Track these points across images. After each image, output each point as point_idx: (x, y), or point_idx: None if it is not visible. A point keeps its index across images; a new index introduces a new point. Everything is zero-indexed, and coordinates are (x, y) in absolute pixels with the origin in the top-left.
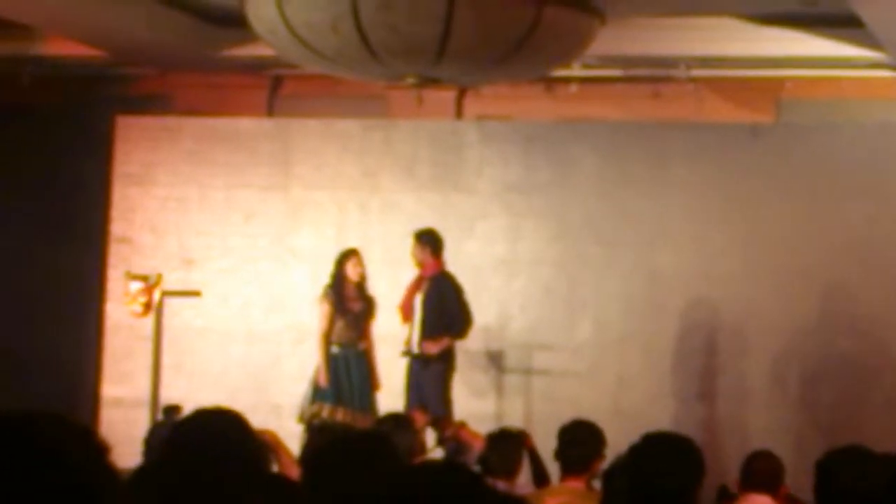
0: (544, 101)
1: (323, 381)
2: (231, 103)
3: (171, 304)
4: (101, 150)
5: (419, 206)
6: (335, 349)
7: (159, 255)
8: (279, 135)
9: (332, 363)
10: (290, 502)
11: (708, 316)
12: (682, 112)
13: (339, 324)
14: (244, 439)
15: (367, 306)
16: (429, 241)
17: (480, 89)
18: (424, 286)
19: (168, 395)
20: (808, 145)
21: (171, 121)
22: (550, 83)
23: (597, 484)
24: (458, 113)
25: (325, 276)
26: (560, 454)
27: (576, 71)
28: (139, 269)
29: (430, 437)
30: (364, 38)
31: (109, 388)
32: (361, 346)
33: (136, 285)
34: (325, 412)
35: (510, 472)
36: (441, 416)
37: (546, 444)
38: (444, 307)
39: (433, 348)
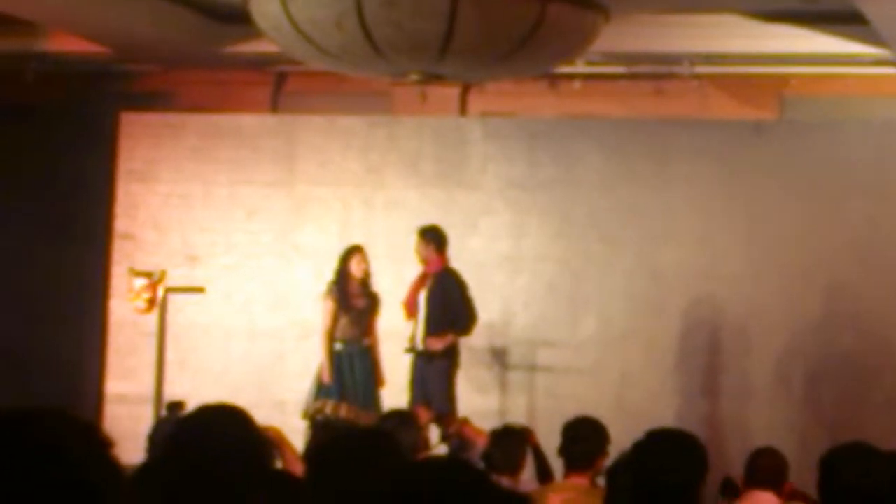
0: (548, 98)
1: (326, 377)
2: (235, 100)
3: (175, 301)
4: (105, 146)
5: (423, 203)
6: (339, 346)
7: (163, 251)
8: (283, 131)
9: (336, 360)
10: (294, 499)
11: (711, 313)
12: (686, 109)
13: (343, 320)
14: (248, 436)
15: (372, 303)
16: (433, 237)
17: (484, 86)
18: (428, 283)
19: (172, 392)
20: (812, 142)
21: (174, 117)
22: (554, 80)
23: (601, 481)
24: (462, 109)
25: (328, 272)
26: (564, 451)
27: (579, 68)
28: (143, 266)
29: (433, 433)
30: (368, 35)
31: (113, 385)
32: (365, 342)
33: (139, 282)
34: (329, 408)
35: (514, 469)
36: (445, 412)
37: (550, 440)
38: (448, 304)
39: (437, 345)
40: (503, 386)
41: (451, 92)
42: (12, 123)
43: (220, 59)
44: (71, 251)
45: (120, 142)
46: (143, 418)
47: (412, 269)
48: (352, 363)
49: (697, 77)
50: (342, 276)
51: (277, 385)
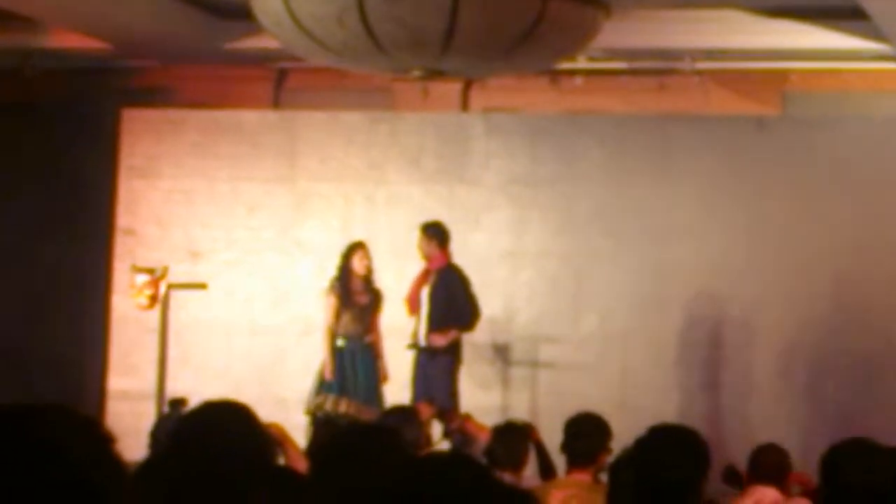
0: (550, 94)
1: (328, 374)
2: (236, 96)
3: (177, 297)
4: (106, 142)
5: (425, 199)
6: (341, 342)
7: (164, 247)
8: (285, 127)
9: (338, 356)
10: (297, 495)
11: (713, 309)
12: (688, 105)
13: (346, 317)
14: (251, 432)
15: (374, 299)
16: (435, 233)
17: (486, 82)
18: (431, 279)
19: (174, 388)
20: (814, 138)
21: (175, 113)
22: (556, 76)
23: (603, 477)
24: (464, 105)
25: (330, 268)
26: (566, 447)
27: (581, 63)
28: (144, 262)
29: (436, 429)
30: (370, 31)
31: (116, 381)
32: (368, 339)
33: (141, 278)
34: (329, 404)
35: (516, 465)
36: (447, 408)
37: (552, 436)
38: (451, 299)
39: (440, 341)
40: (505, 382)
41: (453, 88)
42: (13, 120)
43: (222, 55)
44: (72, 247)
45: (121, 138)
46: (146, 415)
47: (414, 265)
48: (353, 359)
49: (699, 73)
50: (344, 272)
51: (279, 382)
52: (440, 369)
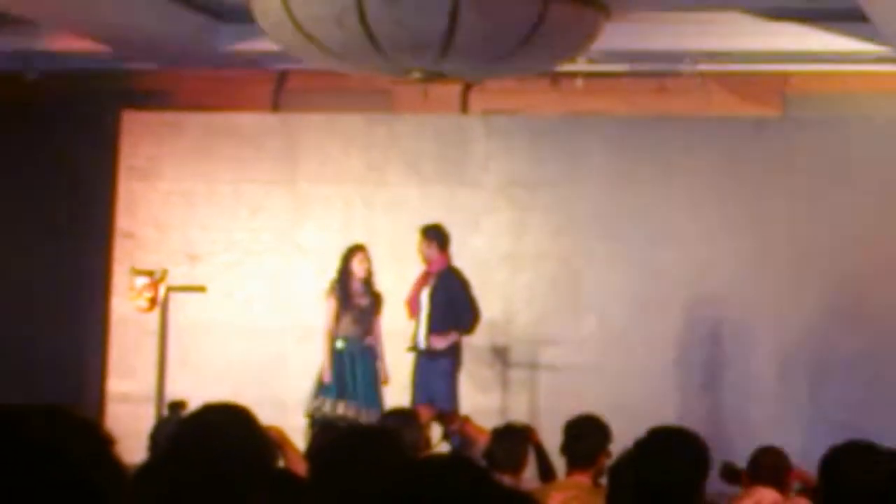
0: (550, 96)
1: (326, 376)
2: (236, 98)
3: (177, 300)
4: (106, 144)
5: (425, 201)
6: (340, 344)
7: (164, 250)
8: (284, 129)
9: (338, 358)
10: (297, 498)
11: (713, 311)
12: (688, 106)
13: (346, 319)
14: (251, 435)
15: (374, 302)
16: (435, 236)
17: (486, 84)
18: (431, 281)
19: (173, 391)
20: (815, 139)
21: (175, 116)
22: (556, 78)
23: (603, 479)
24: (464, 107)
25: (330, 271)
26: (566, 449)
27: (581, 65)
28: (144, 265)
29: (435, 432)
30: (369, 33)
31: (115, 384)
32: (367, 341)
33: (141, 280)
34: (327, 407)
35: (516, 467)
36: (447, 411)
37: (551, 438)
38: (450, 302)
39: (440, 343)
40: (505, 384)
41: (453, 90)
42: (14, 122)
43: (221, 58)
44: (72, 250)
45: (121, 139)
46: (145, 417)
47: (414, 267)
48: (353, 362)
49: (700, 74)
50: (344, 274)
51: (279, 384)
52: (440, 372)
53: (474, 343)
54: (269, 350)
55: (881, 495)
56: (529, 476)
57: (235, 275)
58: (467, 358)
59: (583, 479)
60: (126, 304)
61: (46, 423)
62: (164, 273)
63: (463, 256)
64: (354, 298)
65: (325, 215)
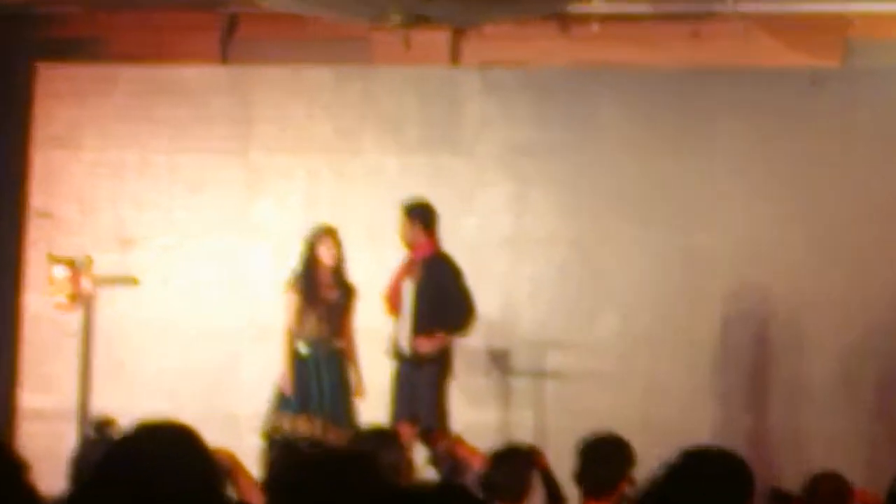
0: (559, 44)
1: (287, 387)
2: (176, 48)
3: (104, 294)
4: (18, 105)
5: (407, 173)
6: (304, 348)
7: (88, 232)
8: (235, 86)
9: (301, 365)
10: None
11: (758, 306)
12: (728, 56)
13: (310, 317)
14: (195, 460)
15: (345, 296)
16: (419, 215)
17: (481, 30)
18: (415, 271)
19: (100, 406)
20: (881, 94)
21: (103, 70)
22: (566, 21)
23: None
24: (454, 58)
25: (292, 258)
26: (580, 475)
27: (596, 6)
28: (64, 251)
29: (419, 454)
30: None
31: (28, 397)
32: (337, 344)
33: (60, 270)
34: (288, 424)
35: (518, 497)
36: (433, 428)
37: (562, 462)
38: (439, 296)
39: (427, 346)
40: (504, 396)
41: (441, 37)
42: None
43: None
44: None
45: (36, 100)
46: (65, 437)
47: (395, 253)
48: (319, 369)
49: (742, 17)
50: (309, 263)
51: (229, 396)
52: (426, 381)
53: (468, 346)
54: (217, 355)
55: None
56: None
57: (175, 263)
58: (460, 364)
59: None
60: (41, 300)
61: None
62: (89, 261)
63: (453, 240)
64: (321, 292)
65: (285, 190)
